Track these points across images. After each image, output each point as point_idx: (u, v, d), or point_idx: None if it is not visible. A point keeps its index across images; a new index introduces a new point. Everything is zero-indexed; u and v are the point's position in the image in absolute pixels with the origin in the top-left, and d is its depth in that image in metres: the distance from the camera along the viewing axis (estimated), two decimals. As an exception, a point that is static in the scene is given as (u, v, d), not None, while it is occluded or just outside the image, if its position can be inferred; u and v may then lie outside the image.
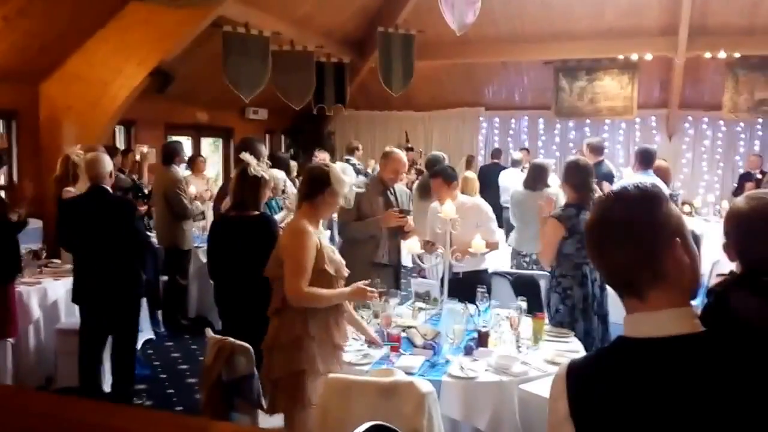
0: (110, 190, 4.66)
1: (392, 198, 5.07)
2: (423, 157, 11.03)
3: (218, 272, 4.33)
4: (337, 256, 3.41)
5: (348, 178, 3.44)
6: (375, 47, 10.14)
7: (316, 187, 3.35)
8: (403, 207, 5.03)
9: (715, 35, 9.85)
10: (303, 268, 3.17)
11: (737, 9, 9.50)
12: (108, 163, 4.64)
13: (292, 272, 3.17)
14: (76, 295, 4.67)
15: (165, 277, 6.82)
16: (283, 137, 12.53)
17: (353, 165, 9.37)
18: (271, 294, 3.35)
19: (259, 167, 4.20)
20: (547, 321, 4.24)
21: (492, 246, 4.96)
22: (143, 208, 6.87)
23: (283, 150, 12.09)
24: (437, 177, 5.10)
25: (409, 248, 4.21)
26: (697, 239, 7.83)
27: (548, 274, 4.81)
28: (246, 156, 4.20)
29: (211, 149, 11.88)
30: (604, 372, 1.30)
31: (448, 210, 4.26)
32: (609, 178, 7.62)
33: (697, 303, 1.96)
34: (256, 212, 4.17)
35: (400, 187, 5.22)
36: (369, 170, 9.61)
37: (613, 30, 10.09)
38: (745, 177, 9.80)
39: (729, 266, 2.18)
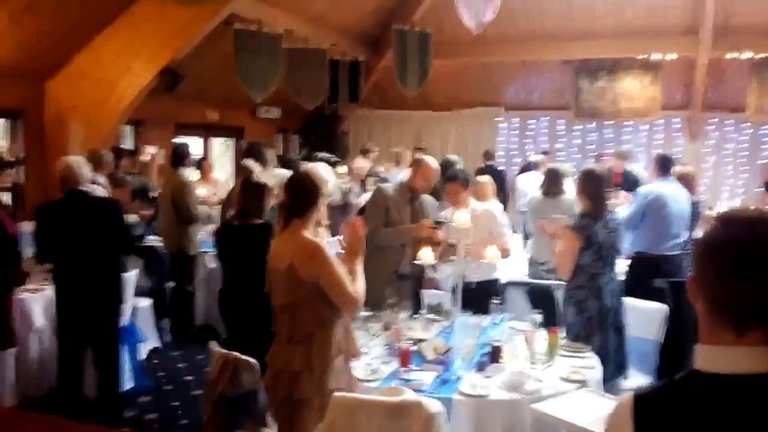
0: (89, 193, 4.57)
1: (419, 207, 4.94)
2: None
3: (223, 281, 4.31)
4: None
5: (329, 175, 3.35)
6: (390, 45, 9.95)
7: (309, 201, 3.21)
8: (429, 217, 4.89)
9: (740, 35, 9.57)
10: (342, 277, 3.07)
11: (763, 8, 9.20)
12: (83, 168, 4.53)
13: (340, 287, 3.06)
14: (60, 302, 4.54)
15: (171, 284, 6.69)
16: (296, 137, 12.36)
17: (372, 169, 9.22)
18: (292, 321, 3.15)
19: (264, 174, 4.17)
20: (563, 335, 4.12)
21: (504, 253, 4.80)
22: (148, 213, 6.77)
23: (297, 150, 11.96)
24: (454, 181, 4.98)
25: (422, 258, 4.11)
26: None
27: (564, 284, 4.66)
28: (249, 163, 4.20)
29: (222, 149, 11.72)
30: (678, 406, 1.24)
31: (462, 220, 4.13)
32: (635, 185, 7.42)
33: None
34: (260, 220, 4.13)
35: (427, 197, 5.09)
36: (387, 174, 9.38)
37: (634, 29, 9.83)
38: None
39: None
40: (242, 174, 4.24)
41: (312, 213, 3.21)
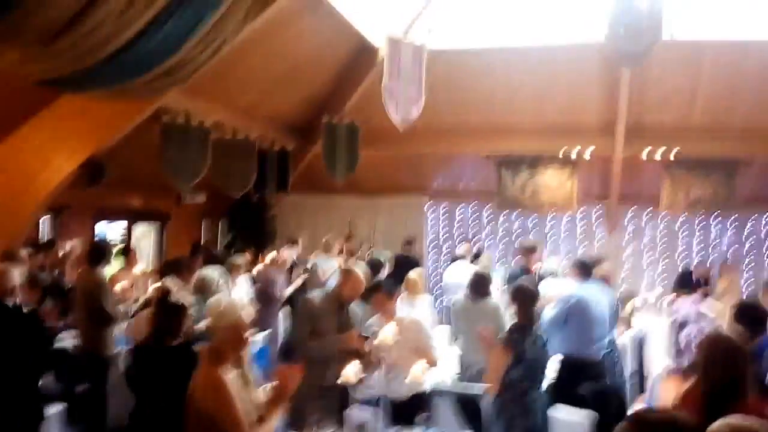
0: (10, 306, 4.44)
1: (348, 317, 4.90)
2: (363, 247, 10.89)
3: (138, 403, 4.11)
4: (252, 398, 3.20)
5: (228, 305, 3.24)
6: (320, 134, 10.08)
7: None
8: (358, 326, 4.86)
9: (653, 133, 10.09)
10: (240, 418, 3.02)
11: (673, 108, 9.79)
12: (13, 278, 4.43)
13: (236, 429, 3.01)
14: None
15: (84, 386, 6.34)
16: (221, 222, 12.18)
17: (298, 258, 9.19)
18: None
19: (182, 293, 4.07)
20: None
21: (430, 364, 4.83)
22: (58, 323, 6.52)
23: (224, 235, 11.82)
24: (378, 292, 4.97)
25: (345, 376, 4.05)
26: (640, 338, 7.82)
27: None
28: (168, 282, 4.07)
29: (145, 230, 11.34)
30: None
31: (387, 336, 4.13)
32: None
33: None
34: (177, 342, 4.02)
35: (354, 306, 5.07)
36: (310, 263, 9.36)
37: (552, 126, 10.25)
38: (687, 278, 9.91)
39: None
40: (159, 293, 4.08)
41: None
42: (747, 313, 4.78)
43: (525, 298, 4.57)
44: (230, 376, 3.13)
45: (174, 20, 5.31)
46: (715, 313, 8.29)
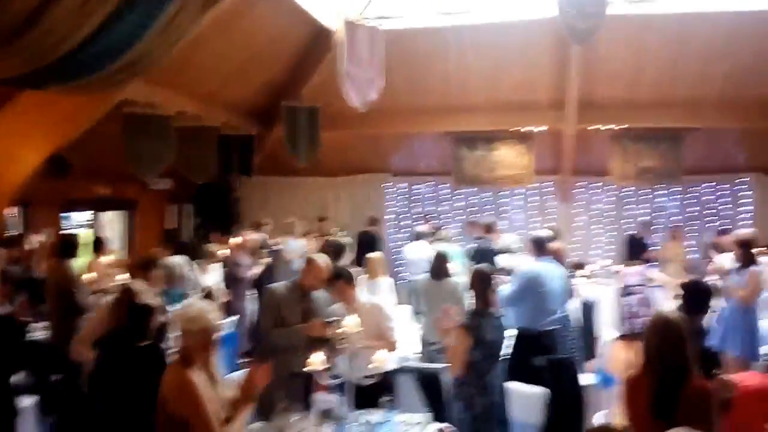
0: None
1: (311, 305, 5.04)
2: (334, 229, 11.14)
3: (105, 407, 4.13)
4: (220, 396, 3.39)
5: (195, 308, 3.39)
6: (281, 118, 10.22)
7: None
8: (322, 314, 4.98)
9: (602, 109, 10.47)
10: (210, 422, 3.15)
11: (620, 85, 10.15)
12: None
13: (207, 428, 3.14)
14: None
15: (57, 376, 6.42)
16: (189, 206, 12.29)
17: (264, 241, 9.39)
18: None
19: (148, 293, 4.14)
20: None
21: (390, 347, 5.06)
22: (30, 319, 6.61)
23: (188, 218, 11.95)
24: (338, 280, 5.12)
25: (313, 363, 4.26)
26: (590, 306, 8.26)
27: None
28: (135, 285, 4.15)
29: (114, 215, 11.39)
30: None
31: (352, 324, 4.39)
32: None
33: None
34: (144, 342, 4.08)
35: (319, 292, 5.19)
36: (279, 246, 9.57)
37: (506, 104, 10.57)
38: (634, 241, 10.40)
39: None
40: (126, 294, 4.14)
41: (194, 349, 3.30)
42: (691, 291, 5.04)
43: (482, 281, 4.79)
44: (199, 376, 3.27)
45: (132, 13, 5.40)
46: (660, 281, 8.81)
